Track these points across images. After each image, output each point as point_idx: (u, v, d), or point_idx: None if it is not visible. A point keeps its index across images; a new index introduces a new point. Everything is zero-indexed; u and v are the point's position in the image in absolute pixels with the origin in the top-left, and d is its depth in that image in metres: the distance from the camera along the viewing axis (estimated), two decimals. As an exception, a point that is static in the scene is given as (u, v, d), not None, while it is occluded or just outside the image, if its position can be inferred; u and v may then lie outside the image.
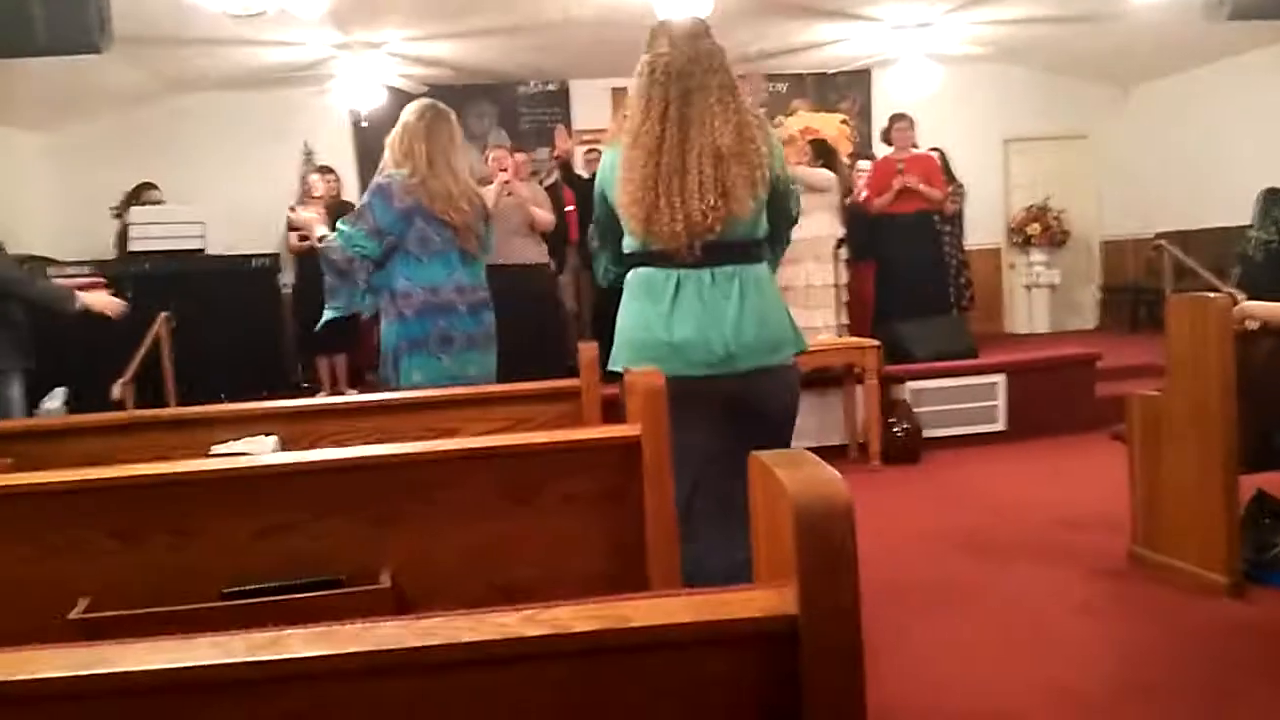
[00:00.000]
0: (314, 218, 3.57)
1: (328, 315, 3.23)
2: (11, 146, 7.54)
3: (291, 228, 6.59)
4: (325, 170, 7.55)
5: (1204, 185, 8.56)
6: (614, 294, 2.55)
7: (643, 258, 2.37)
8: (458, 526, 1.89)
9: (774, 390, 2.37)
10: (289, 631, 0.87)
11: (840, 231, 6.31)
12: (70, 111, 7.80)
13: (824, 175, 6.39)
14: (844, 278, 6.32)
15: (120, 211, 7.08)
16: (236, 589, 1.79)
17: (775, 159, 2.38)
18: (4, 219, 5.75)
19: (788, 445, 2.06)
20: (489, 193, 6.40)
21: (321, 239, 3.23)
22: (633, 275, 2.41)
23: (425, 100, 3.32)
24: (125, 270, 6.33)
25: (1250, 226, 7.22)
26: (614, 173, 2.37)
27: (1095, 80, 9.51)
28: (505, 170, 6.05)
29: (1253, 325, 3.18)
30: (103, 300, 4.27)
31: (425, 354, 3.16)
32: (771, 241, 2.47)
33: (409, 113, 3.24)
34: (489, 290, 3.34)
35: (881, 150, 8.64)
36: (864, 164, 7.61)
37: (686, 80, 2.30)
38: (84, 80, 6.84)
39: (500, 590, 1.91)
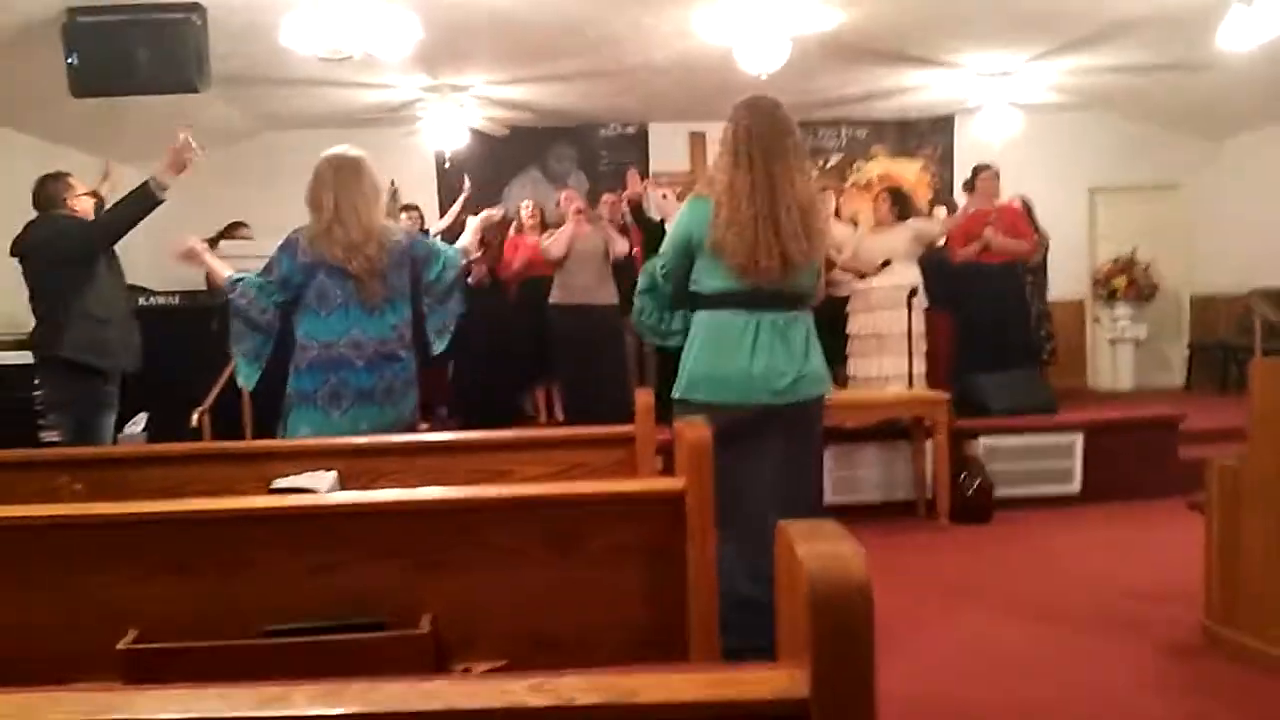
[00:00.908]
0: (218, 266, 3.37)
1: (240, 368, 3.15)
2: (116, 181, 7.89)
3: None
4: (409, 208, 7.76)
5: (1302, 241, 8.24)
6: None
7: (721, 300, 2.76)
8: (500, 573, 1.90)
9: (814, 415, 2.84)
10: (296, 688, 0.88)
11: (918, 280, 6.23)
12: (165, 148, 8.14)
13: (932, 229, 6.35)
14: (920, 326, 6.22)
15: (212, 245, 7.34)
16: (278, 627, 1.83)
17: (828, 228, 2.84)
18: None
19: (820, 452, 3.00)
20: (563, 234, 6.56)
21: (234, 285, 3.15)
22: (709, 316, 2.79)
23: (339, 149, 3.18)
24: (213, 302, 6.56)
25: (1351, 286, 6.94)
26: (705, 220, 2.75)
27: (1186, 130, 9.26)
28: (578, 209, 6.35)
29: (1342, 395, 3.03)
30: (170, 157, 4.06)
31: (312, 408, 3.05)
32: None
33: (321, 161, 3.14)
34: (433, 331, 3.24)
35: (959, 197, 8.54)
36: (940, 211, 7.52)
37: (768, 143, 2.73)
38: (184, 117, 7.14)
39: (539, 640, 1.91)
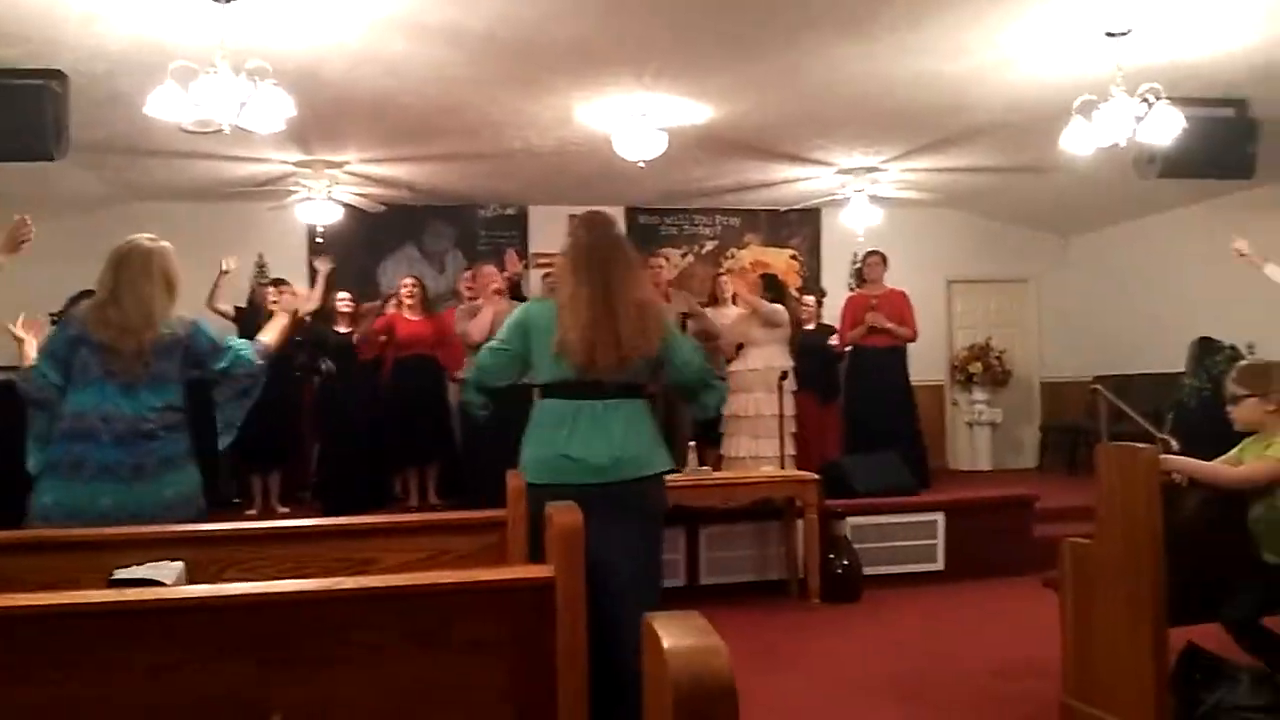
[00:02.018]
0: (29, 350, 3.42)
1: (30, 452, 3.16)
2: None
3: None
4: (278, 282, 7.58)
5: (1140, 332, 8.84)
6: None
7: (549, 389, 3.02)
8: (358, 670, 1.81)
9: (651, 491, 2.98)
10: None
11: (789, 363, 6.39)
12: (23, 214, 7.75)
13: (781, 311, 6.53)
14: (790, 409, 6.36)
15: (58, 317, 6.97)
16: (115, 732, 1.69)
17: (672, 332, 3.12)
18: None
19: (661, 535, 3.06)
20: (484, 317, 6.39)
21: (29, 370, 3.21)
22: (540, 404, 3.05)
23: (140, 236, 3.30)
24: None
25: (1184, 374, 7.44)
26: (546, 318, 3.02)
27: (1036, 227, 9.90)
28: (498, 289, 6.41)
29: (1178, 479, 3.22)
30: (3, 236, 3.86)
31: (56, 476, 3.06)
32: (695, 379, 3.13)
33: (118, 245, 3.26)
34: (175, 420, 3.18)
35: (830, 285, 8.87)
36: (809, 299, 7.78)
37: (604, 254, 3.03)
38: (42, 186, 6.83)
39: (398, 739, 1.82)
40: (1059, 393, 9.87)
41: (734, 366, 6.44)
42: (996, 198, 9.06)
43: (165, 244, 3.32)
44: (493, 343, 3.20)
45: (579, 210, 9.04)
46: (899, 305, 7.31)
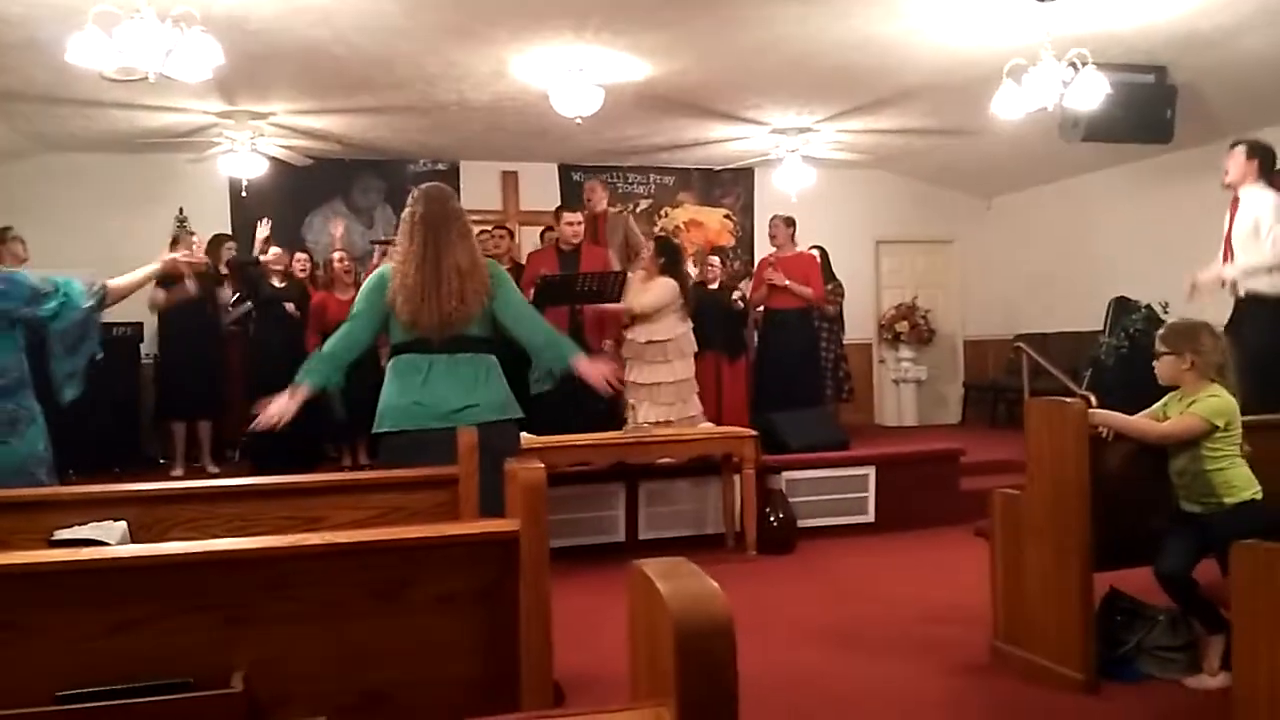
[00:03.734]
0: None
1: None
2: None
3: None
4: (222, 238, 7.43)
5: (1060, 291, 9.12)
6: None
7: (406, 346, 3.27)
8: (318, 626, 1.81)
9: (500, 437, 3.16)
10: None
11: (678, 330, 6.33)
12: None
13: (660, 295, 6.33)
14: (688, 372, 6.36)
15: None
16: (73, 692, 1.66)
17: (495, 282, 3.32)
18: None
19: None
20: None
21: None
22: (397, 360, 3.30)
23: None
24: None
25: (1102, 332, 7.72)
26: (388, 281, 3.27)
27: (960, 189, 10.10)
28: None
29: (1104, 433, 3.35)
30: None
31: None
32: (538, 342, 3.39)
33: None
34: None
35: (764, 246, 8.94)
36: (714, 259, 7.77)
37: (436, 223, 3.27)
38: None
39: (365, 695, 1.82)
40: (981, 350, 10.16)
41: (629, 335, 6.37)
42: (925, 159, 9.21)
43: None
44: (353, 312, 3.39)
45: (512, 167, 9.07)
46: (804, 267, 7.37)
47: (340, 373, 3.33)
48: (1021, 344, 7.77)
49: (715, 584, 0.97)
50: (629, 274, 6.50)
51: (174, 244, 7.09)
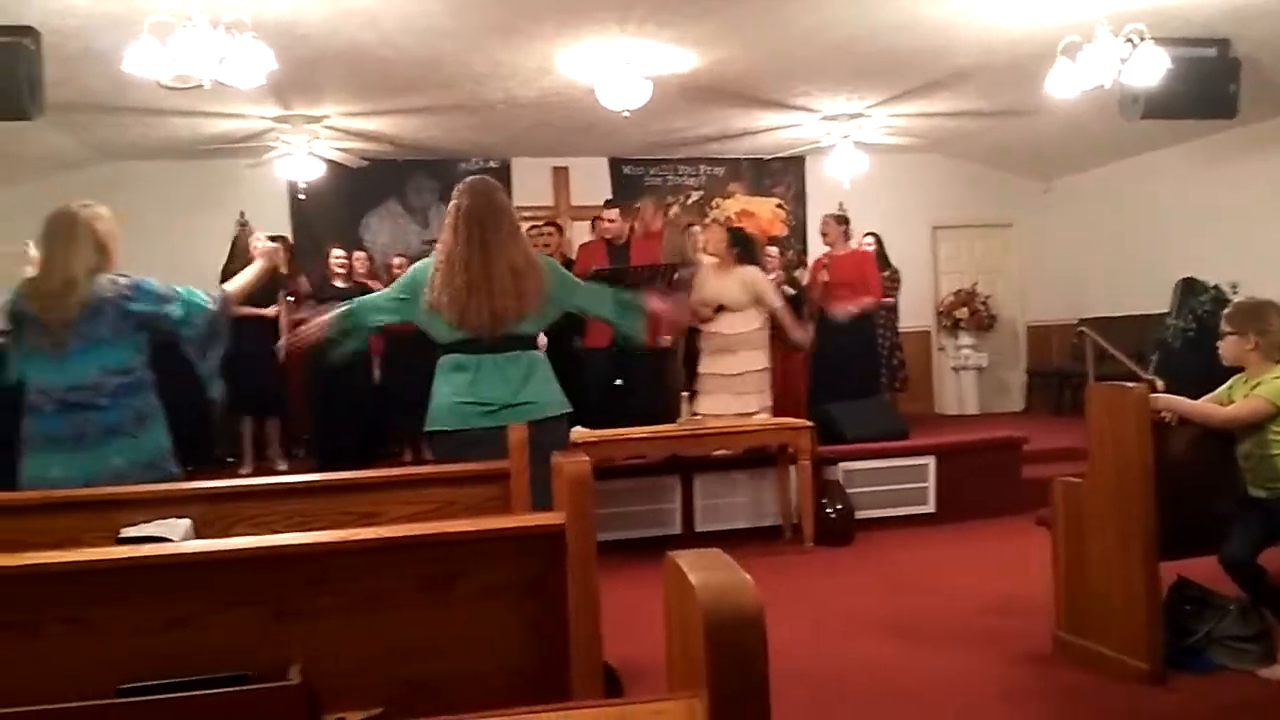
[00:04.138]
0: None
1: None
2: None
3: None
4: (276, 239, 7.54)
5: (1125, 274, 8.90)
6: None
7: (454, 346, 3.23)
8: (371, 619, 1.83)
9: (551, 434, 3.13)
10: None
11: (756, 323, 6.29)
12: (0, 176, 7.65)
13: (765, 285, 6.36)
14: (768, 363, 6.32)
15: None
16: (134, 685, 1.71)
17: (552, 278, 3.32)
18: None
19: None
20: None
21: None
22: (445, 359, 3.26)
23: (69, 204, 3.26)
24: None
25: (1169, 314, 7.51)
26: (427, 277, 3.24)
27: (1018, 172, 9.90)
28: None
29: (1168, 418, 3.26)
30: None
31: (25, 449, 3.12)
32: (607, 312, 3.47)
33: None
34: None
35: (812, 235, 8.86)
36: (772, 249, 7.71)
37: (483, 218, 3.21)
38: (16, 145, 6.73)
39: (414, 686, 1.85)
40: (1044, 336, 9.95)
41: (711, 328, 6.34)
42: (980, 141, 9.04)
43: (98, 209, 3.26)
44: (387, 291, 3.46)
45: (562, 163, 9.10)
46: (859, 265, 7.25)
47: (341, 342, 3.36)
48: (1085, 328, 7.59)
49: (746, 575, 0.97)
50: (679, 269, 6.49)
51: (234, 245, 7.28)
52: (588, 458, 1.96)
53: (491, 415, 3.12)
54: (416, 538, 1.89)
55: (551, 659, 1.90)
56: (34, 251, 3.52)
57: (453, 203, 3.29)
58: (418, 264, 3.43)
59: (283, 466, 7.07)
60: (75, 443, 3.07)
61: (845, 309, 7.04)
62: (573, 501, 1.91)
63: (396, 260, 7.47)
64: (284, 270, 6.67)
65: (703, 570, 1.01)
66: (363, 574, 1.85)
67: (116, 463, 3.09)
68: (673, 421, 5.46)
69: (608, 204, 6.93)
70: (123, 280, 3.20)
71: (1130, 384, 3.36)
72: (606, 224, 6.61)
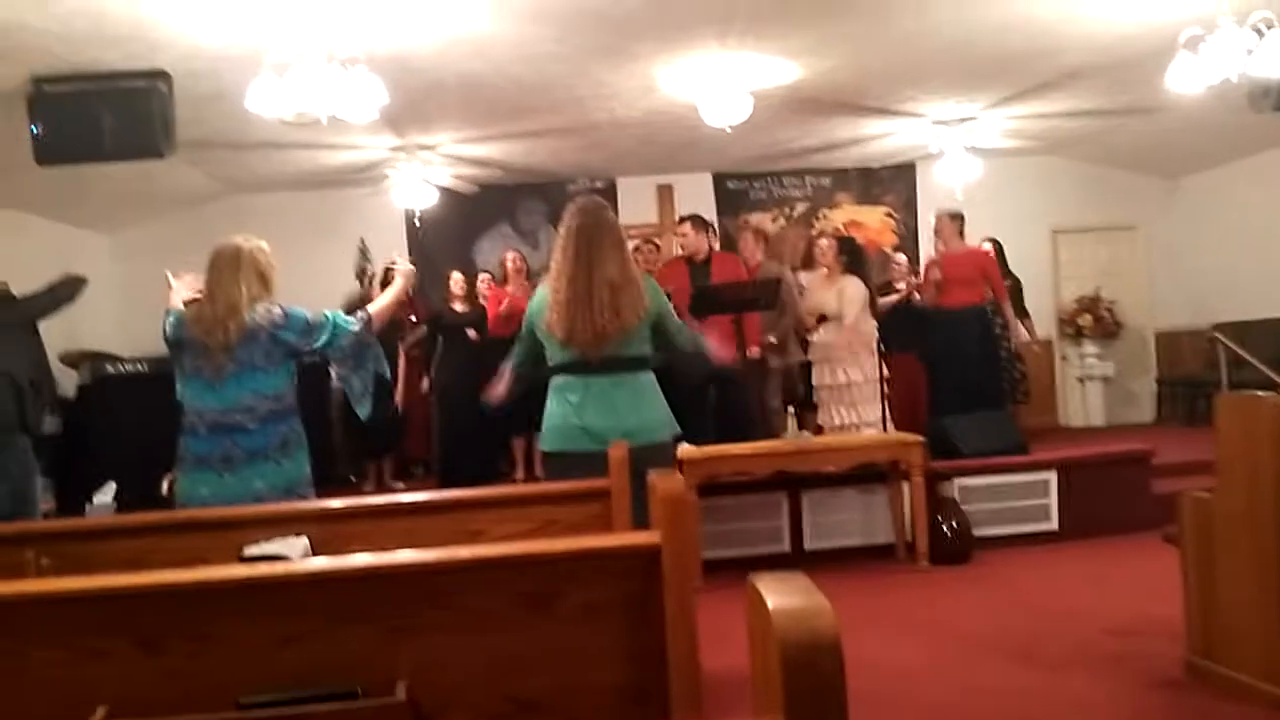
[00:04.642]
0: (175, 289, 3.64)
1: None
2: (81, 248, 7.86)
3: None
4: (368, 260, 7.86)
5: (1260, 275, 8.41)
6: None
7: (564, 367, 3.28)
8: (474, 636, 1.87)
9: (657, 458, 3.06)
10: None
11: (870, 330, 6.24)
12: (136, 212, 8.16)
13: (856, 295, 6.33)
14: (875, 374, 6.22)
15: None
16: (253, 700, 1.79)
17: (652, 296, 3.32)
18: (73, 316, 5.98)
19: None
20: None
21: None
22: (555, 380, 3.32)
23: (233, 237, 3.49)
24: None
25: (1310, 317, 7.07)
26: (543, 304, 3.31)
27: (1142, 171, 9.48)
28: None
29: (1305, 426, 3.07)
30: None
31: (179, 467, 3.31)
32: (677, 350, 3.44)
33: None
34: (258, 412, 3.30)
35: (924, 243, 8.67)
36: (900, 256, 7.62)
37: (591, 236, 3.26)
38: (149, 183, 7.16)
39: (517, 703, 1.88)
40: (1175, 343, 9.48)
41: (816, 338, 6.34)
42: (1099, 142, 8.70)
43: (259, 242, 3.49)
44: (518, 343, 3.53)
45: (666, 180, 9.15)
46: (977, 263, 7.04)
47: (528, 371, 3.50)
48: (1218, 334, 7.21)
49: (824, 599, 0.96)
50: (786, 280, 6.46)
51: (361, 274, 7.57)
52: (681, 476, 1.97)
53: (597, 440, 3.13)
54: (516, 556, 1.93)
55: (650, 677, 1.91)
56: (173, 281, 3.72)
57: (563, 223, 3.37)
58: (533, 297, 3.50)
59: (398, 485, 7.31)
60: (223, 464, 3.25)
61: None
62: (668, 520, 1.91)
63: (510, 255, 7.64)
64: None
65: (780, 595, 1.00)
66: (467, 591, 1.90)
67: (258, 486, 3.26)
68: (770, 438, 5.42)
69: (681, 220, 6.90)
70: (276, 309, 3.39)
71: (1263, 392, 3.18)
72: (682, 240, 6.58)
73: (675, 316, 3.48)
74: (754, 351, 6.25)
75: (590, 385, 3.23)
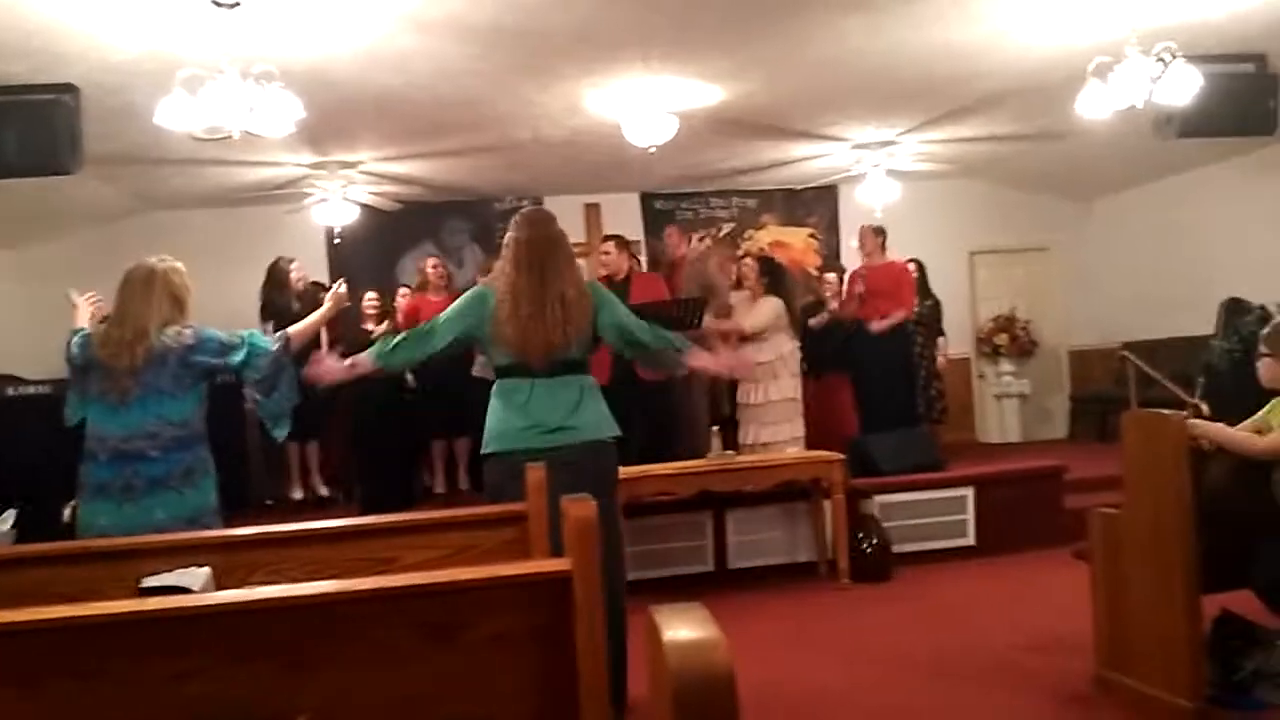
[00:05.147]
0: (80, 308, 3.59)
1: None
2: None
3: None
4: (318, 285, 7.68)
5: (1168, 296, 8.70)
6: None
7: (509, 370, 3.34)
8: (379, 669, 1.82)
9: (600, 455, 3.32)
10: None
11: (786, 348, 6.30)
12: (44, 229, 7.86)
13: (769, 313, 6.39)
14: (797, 393, 6.28)
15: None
16: (141, 740, 1.70)
17: (604, 304, 3.40)
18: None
19: (616, 501, 3.45)
20: None
21: None
22: (501, 383, 3.38)
23: (147, 258, 3.42)
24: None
25: (1214, 336, 7.33)
26: (486, 307, 3.33)
27: (1055, 194, 9.77)
28: None
29: (1207, 445, 3.17)
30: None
31: (80, 495, 3.21)
32: (646, 348, 3.44)
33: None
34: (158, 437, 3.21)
35: (848, 262, 8.80)
36: (830, 276, 7.73)
37: (542, 251, 3.32)
38: (56, 198, 6.91)
39: (422, 737, 1.82)
40: (1087, 361, 9.76)
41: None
42: (1015, 165, 8.95)
43: (174, 263, 3.41)
44: (439, 316, 3.48)
45: (594, 199, 9.13)
46: (894, 278, 7.19)
47: (400, 364, 3.56)
48: (1127, 352, 7.43)
49: (719, 633, 0.94)
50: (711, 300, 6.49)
51: (271, 272, 7.38)
52: (593, 501, 1.94)
53: (545, 436, 3.22)
54: (421, 587, 1.87)
55: (559, 707, 1.87)
56: (76, 299, 3.63)
57: (510, 234, 3.40)
58: (478, 290, 3.47)
59: (325, 491, 7.17)
60: (123, 493, 3.14)
61: (881, 324, 6.96)
62: (579, 547, 1.88)
63: (431, 262, 7.61)
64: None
65: (674, 627, 0.98)
66: (369, 624, 1.84)
67: (160, 516, 3.15)
68: (697, 453, 5.43)
69: (605, 239, 6.90)
70: (187, 331, 3.30)
71: (1167, 411, 3.27)
72: (603, 259, 6.58)
73: (632, 315, 3.49)
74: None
75: (536, 385, 3.29)
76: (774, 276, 6.38)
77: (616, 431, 3.41)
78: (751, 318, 6.26)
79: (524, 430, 3.25)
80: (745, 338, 6.23)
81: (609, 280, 6.50)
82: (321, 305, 6.37)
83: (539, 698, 1.88)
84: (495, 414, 3.35)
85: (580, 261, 7.65)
